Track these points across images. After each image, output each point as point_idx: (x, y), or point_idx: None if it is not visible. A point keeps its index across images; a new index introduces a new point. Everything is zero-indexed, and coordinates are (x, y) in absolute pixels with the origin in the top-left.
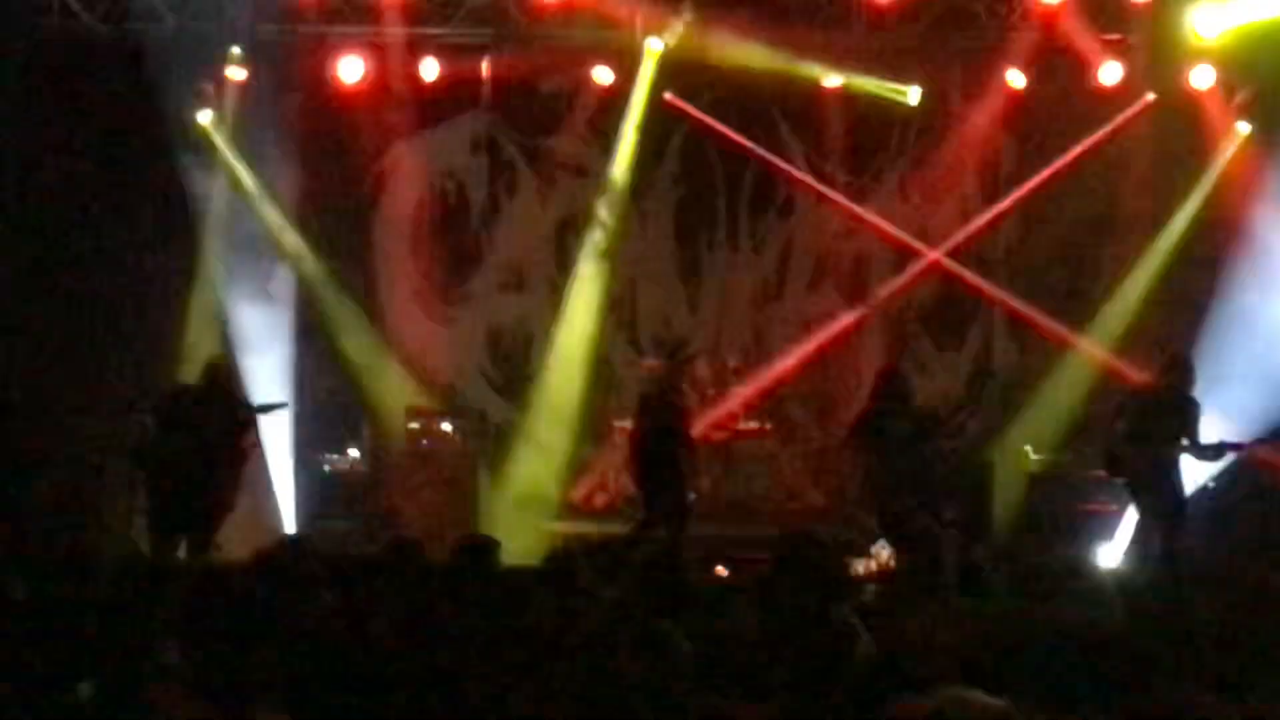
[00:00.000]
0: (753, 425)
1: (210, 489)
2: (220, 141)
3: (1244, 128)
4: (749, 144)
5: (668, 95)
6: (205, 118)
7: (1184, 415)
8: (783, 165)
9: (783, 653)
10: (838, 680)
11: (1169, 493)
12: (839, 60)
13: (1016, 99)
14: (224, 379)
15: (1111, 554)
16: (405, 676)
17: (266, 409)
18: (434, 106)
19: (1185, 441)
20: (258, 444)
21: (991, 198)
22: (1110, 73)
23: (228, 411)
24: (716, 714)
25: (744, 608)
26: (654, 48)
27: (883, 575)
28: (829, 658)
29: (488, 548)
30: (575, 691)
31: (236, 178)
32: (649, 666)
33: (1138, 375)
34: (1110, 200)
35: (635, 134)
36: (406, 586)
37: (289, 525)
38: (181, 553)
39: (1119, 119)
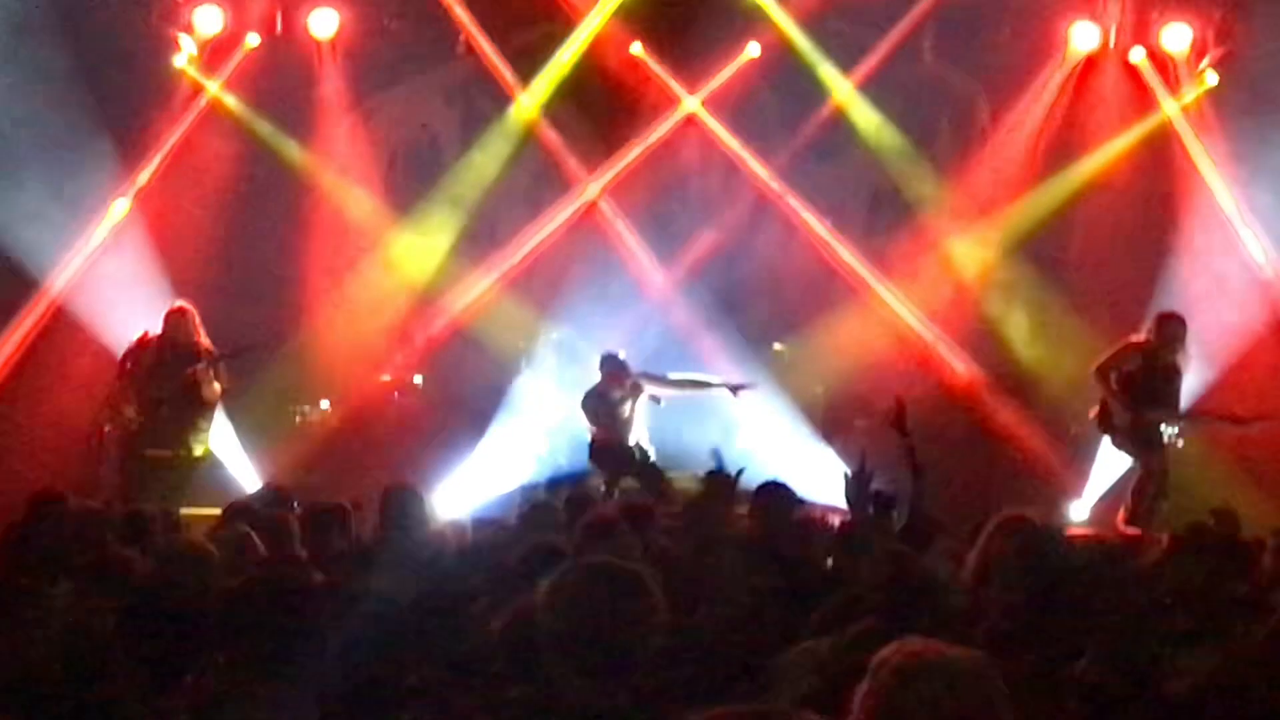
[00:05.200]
0: None
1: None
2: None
3: (1212, 78)
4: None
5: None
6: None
7: (1175, 380)
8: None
9: None
10: None
11: (1155, 457)
12: None
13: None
14: (187, 324)
15: (1080, 510)
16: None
17: (238, 353)
18: (408, 60)
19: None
20: (228, 389)
21: None
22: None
23: (189, 357)
24: None
25: None
26: None
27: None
28: None
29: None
30: None
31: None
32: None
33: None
34: None
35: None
36: None
37: (261, 475)
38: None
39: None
